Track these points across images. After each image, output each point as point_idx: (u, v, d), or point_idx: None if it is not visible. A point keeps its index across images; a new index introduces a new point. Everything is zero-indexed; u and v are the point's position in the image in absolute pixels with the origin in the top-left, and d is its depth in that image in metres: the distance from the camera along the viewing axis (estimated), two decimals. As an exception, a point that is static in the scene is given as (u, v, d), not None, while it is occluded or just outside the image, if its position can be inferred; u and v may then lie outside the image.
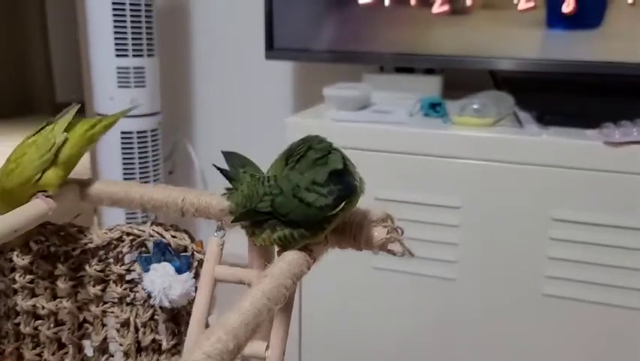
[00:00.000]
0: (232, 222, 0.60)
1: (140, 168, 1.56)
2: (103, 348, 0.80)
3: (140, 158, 1.56)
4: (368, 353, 1.24)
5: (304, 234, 0.56)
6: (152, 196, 0.71)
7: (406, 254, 0.63)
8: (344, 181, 0.55)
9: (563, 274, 1.07)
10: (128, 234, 0.75)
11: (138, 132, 1.54)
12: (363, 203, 1.17)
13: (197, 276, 0.72)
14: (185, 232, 0.74)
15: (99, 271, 0.77)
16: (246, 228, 0.60)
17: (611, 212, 1.03)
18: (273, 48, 1.44)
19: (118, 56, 1.47)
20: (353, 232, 0.62)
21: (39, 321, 0.80)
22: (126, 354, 0.78)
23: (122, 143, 1.53)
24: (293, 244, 0.56)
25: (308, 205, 0.54)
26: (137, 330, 0.78)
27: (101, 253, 0.77)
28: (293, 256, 0.55)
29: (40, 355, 0.81)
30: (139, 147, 1.55)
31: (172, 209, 0.70)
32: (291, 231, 0.56)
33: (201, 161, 1.84)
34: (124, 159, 1.54)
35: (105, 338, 0.80)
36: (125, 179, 1.56)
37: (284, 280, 0.51)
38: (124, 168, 1.55)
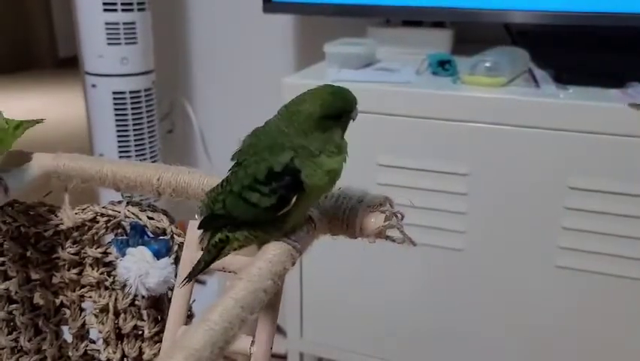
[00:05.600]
0: (198, 228, 0.54)
1: (134, 129, 1.49)
2: (81, 334, 0.75)
3: (133, 118, 1.48)
4: (372, 324, 1.19)
5: (260, 235, 0.50)
6: (125, 175, 0.64)
7: (407, 242, 0.56)
8: (287, 177, 0.47)
9: (577, 246, 1.00)
10: (102, 215, 0.68)
11: (131, 92, 1.46)
12: (364, 170, 1.09)
13: (177, 260, 0.66)
14: (164, 212, 0.67)
15: (74, 254, 0.71)
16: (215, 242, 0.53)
17: (633, 181, 0.95)
18: (270, 1, 1.34)
19: (106, 10, 1.38)
20: (346, 219, 0.55)
21: (13, 305, 0.75)
22: (106, 341, 0.73)
23: (115, 103, 1.45)
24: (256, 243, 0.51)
25: (254, 206, 0.48)
26: (117, 316, 0.72)
27: (75, 234, 0.70)
28: (275, 252, 0.48)
29: (16, 340, 0.76)
30: (132, 107, 1.47)
31: (147, 189, 0.64)
32: (247, 233, 0.50)
33: (200, 119, 1.77)
34: (117, 120, 1.47)
35: (84, 324, 0.74)
36: (119, 141, 1.49)
37: (262, 283, 0.44)
38: (117, 130, 1.48)
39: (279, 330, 1.38)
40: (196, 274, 0.56)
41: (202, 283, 1.65)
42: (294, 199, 0.47)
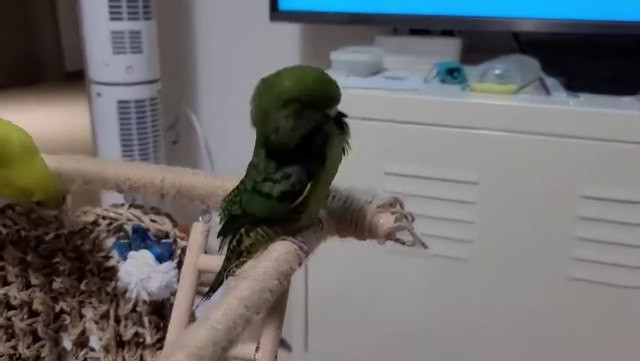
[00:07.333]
0: (217, 236, 0.53)
1: (138, 138, 1.48)
2: (81, 342, 0.73)
3: (138, 128, 1.47)
4: (377, 336, 1.17)
5: (271, 233, 0.49)
6: (128, 176, 0.63)
7: (417, 244, 0.54)
8: (299, 160, 0.45)
9: (592, 256, 0.98)
10: (104, 217, 0.67)
11: (136, 101, 1.45)
12: (371, 178, 1.07)
13: (180, 265, 0.64)
14: (167, 215, 0.66)
15: (74, 259, 0.69)
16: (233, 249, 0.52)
17: (648, 189, 0.93)
18: (277, 10, 1.34)
19: (112, 19, 1.37)
20: (355, 219, 0.53)
21: (12, 311, 0.73)
22: (106, 349, 0.71)
23: (120, 112, 1.45)
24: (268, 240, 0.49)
25: (267, 197, 0.46)
26: (117, 323, 0.70)
27: (76, 238, 0.69)
28: (281, 251, 0.46)
29: (14, 348, 0.74)
30: (137, 117, 1.46)
31: (150, 190, 0.62)
32: (260, 230, 0.49)
33: (205, 130, 1.76)
34: (122, 129, 1.46)
35: (83, 331, 0.72)
36: (123, 150, 1.48)
37: (268, 282, 0.43)
38: (122, 139, 1.47)
39: (284, 344, 1.36)
40: (218, 286, 0.54)
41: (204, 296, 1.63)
42: (308, 187, 0.45)
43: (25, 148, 0.61)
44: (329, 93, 0.44)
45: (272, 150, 0.46)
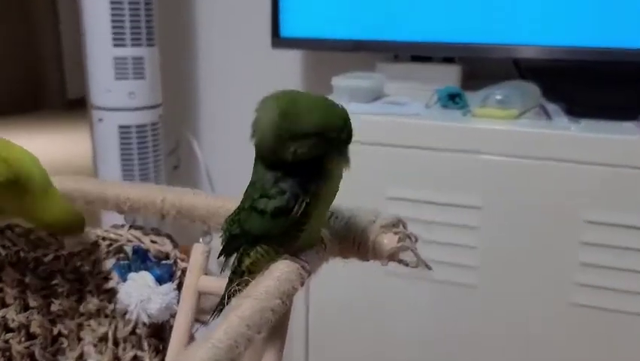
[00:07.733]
0: (217, 257, 0.52)
1: (139, 163, 1.48)
2: (79, 365, 0.72)
3: (139, 153, 1.47)
4: (379, 360, 1.15)
5: (271, 251, 0.48)
6: (128, 196, 0.62)
7: (421, 265, 0.54)
8: (298, 175, 0.45)
9: (595, 282, 0.97)
10: (104, 238, 0.66)
11: (137, 126, 1.45)
12: (372, 203, 1.06)
13: (180, 286, 0.63)
14: (168, 236, 0.65)
15: (74, 280, 0.69)
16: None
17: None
18: (279, 37, 1.35)
19: (115, 45, 1.38)
20: (357, 240, 0.53)
21: (10, 334, 0.72)
22: (104, 373, 0.70)
23: (121, 137, 1.45)
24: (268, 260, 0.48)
25: (262, 213, 0.46)
26: (116, 346, 0.69)
27: (76, 259, 0.68)
28: (283, 270, 0.46)
29: (12, 371, 0.73)
30: (138, 142, 1.46)
31: (150, 210, 0.62)
32: (259, 248, 0.48)
33: (206, 155, 1.76)
34: (122, 154, 1.46)
35: (81, 355, 0.71)
36: (124, 175, 1.48)
37: (270, 301, 0.42)
38: (123, 164, 1.47)
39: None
40: (223, 307, 0.54)
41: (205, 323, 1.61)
42: (303, 203, 0.45)
43: (45, 183, 0.61)
44: (348, 134, 0.46)
45: (271, 163, 0.46)
